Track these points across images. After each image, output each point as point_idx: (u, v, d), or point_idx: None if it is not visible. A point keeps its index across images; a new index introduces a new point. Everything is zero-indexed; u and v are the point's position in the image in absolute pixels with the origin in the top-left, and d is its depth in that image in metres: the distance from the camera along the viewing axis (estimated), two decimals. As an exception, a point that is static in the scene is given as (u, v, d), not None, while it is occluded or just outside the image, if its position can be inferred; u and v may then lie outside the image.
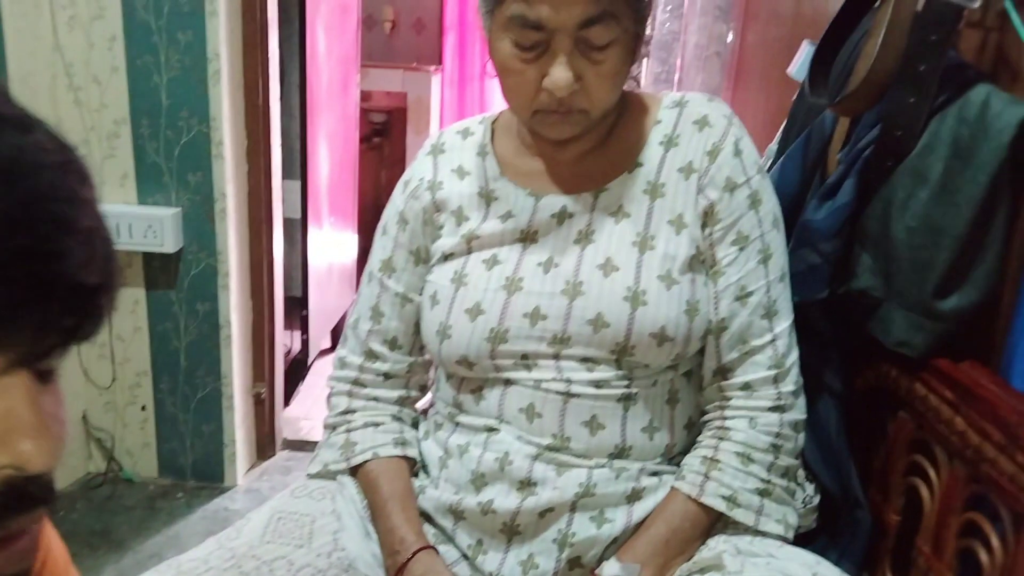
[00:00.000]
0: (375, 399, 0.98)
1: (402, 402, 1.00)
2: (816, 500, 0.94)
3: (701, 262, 0.87)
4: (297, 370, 2.72)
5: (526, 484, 0.84)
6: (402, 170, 1.03)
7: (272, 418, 2.23)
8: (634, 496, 0.85)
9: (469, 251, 0.92)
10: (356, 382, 0.99)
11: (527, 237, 0.90)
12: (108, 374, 2.04)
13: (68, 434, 0.40)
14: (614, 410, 0.86)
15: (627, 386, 0.86)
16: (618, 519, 0.84)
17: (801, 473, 0.93)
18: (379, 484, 0.92)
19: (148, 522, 1.94)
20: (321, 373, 2.93)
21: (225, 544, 0.87)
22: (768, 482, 0.85)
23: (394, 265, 0.97)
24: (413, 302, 0.97)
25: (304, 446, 2.30)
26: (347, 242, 3.17)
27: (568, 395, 0.85)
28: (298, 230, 2.51)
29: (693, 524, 0.84)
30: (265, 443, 2.24)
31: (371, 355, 0.98)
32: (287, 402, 2.45)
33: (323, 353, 2.97)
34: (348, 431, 0.97)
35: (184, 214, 1.92)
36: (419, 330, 0.97)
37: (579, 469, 0.85)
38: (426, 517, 0.91)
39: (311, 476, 0.98)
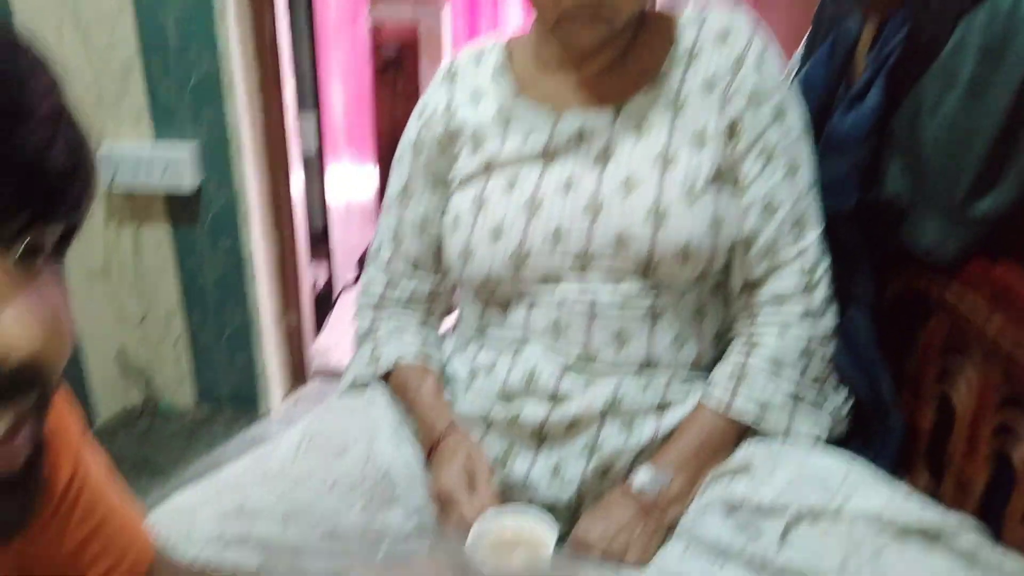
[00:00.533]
0: (398, 317, 1.01)
1: (425, 321, 1.02)
2: (848, 407, 0.95)
3: (725, 177, 0.86)
4: (323, 303, 2.75)
5: (554, 396, 0.86)
6: (417, 102, 1.02)
7: (303, 348, 2.27)
8: (663, 406, 0.87)
9: (488, 174, 0.91)
10: (380, 304, 1.01)
11: (547, 157, 0.89)
12: (140, 311, 2.08)
13: (69, 332, 0.39)
14: (641, 324, 0.86)
15: (653, 301, 0.86)
16: (647, 428, 0.86)
17: (832, 381, 0.94)
18: (408, 383, 0.95)
19: (188, 450, 1.99)
20: (347, 305, 2.97)
21: (261, 461, 0.90)
22: (799, 389, 0.86)
23: (411, 192, 0.97)
24: (432, 228, 0.98)
25: (335, 374, 2.35)
26: (366, 176, 3.15)
27: (593, 312, 0.86)
28: (315, 164, 2.50)
29: (723, 433, 0.85)
30: (297, 372, 2.29)
31: (394, 279, 1.00)
32: (316, 333, 2.49)
33: (348, 286, 3.00)
34: (374, 344, 1.00)
35: (201, 152, 1.92)
36: (440, 255, 0.98)
37: (607, 381, 0.86)
38: None
39: (344, 390, 1.01)
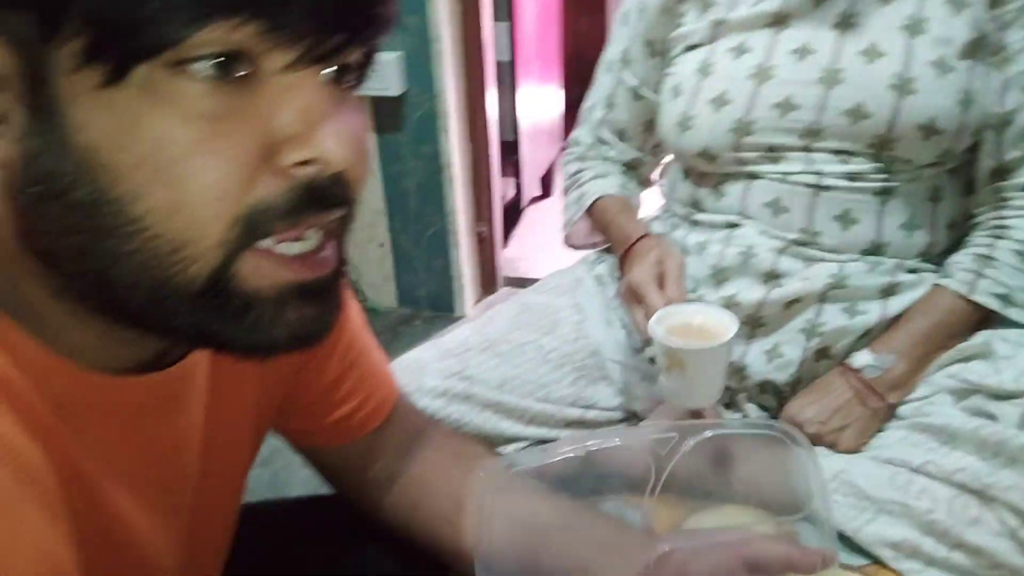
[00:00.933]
0: (602, 166, 1.03)
1: (624, 173, 1.04)
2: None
3: (984, 47, 0.79)
4: (512, 214, 2.82)
5: (771, 276, 0.83)
6: (602, 16, 1.01)
7: (493, 256, 2.35)
8: (890, 290, 0.82)
9: (715, 39, 0.88)
10: (584, 157, 1.04)
11: (780, 22, 0.84)
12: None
13: (369, 153, 0.42)
14: (870, 204, 0.82)
15: (885, 180, 0.81)
16: (872, 311, 0.82)
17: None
18: (607, 210, 0.98)
19: (392, 346, 2.13)
20: (533, 218, 3.03)
21: (479, 330, 0.96)
22: None
23: (630, 56, 0.97)
24: (645, 98, 0.98)
25: (523, 283, 2.42)
26: (553, 92, 3.15)
27: (819, 188, 0.82)
28: (508, 73, 2.53)
29: (959, 321, 0.80)
30: (488, 280, 2.37)
31: (601, 142, 1.03)
32: (504, 243, 2.57)
33: (535, 200, 3.05)
34: (579, 186, 1.03)
35: (405, 59, 1.99)
36: (649, 126, 0.98)
37: (829, 262, 0.82)
38: None
39: (565, 243, 1.06)
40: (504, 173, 2.68)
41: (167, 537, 0.50)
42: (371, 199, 2.20)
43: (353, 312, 0.69)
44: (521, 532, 0.62)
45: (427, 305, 2.30)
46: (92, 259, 0.37)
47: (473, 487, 0.66)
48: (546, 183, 3.26)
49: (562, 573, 0.62)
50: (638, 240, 0.89)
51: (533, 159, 2.86)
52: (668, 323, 0.77)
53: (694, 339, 0.75)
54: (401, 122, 2.07)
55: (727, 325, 0.76)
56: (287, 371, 0.61)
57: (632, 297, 0.84)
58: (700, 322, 0.78)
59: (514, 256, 2.62)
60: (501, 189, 2.45)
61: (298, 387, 0.63)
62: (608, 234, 0.97)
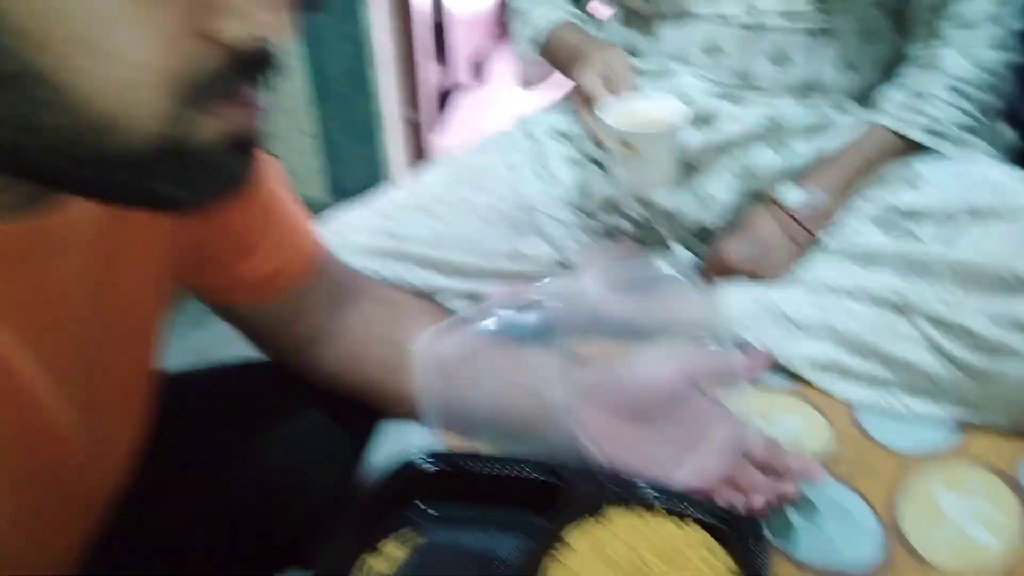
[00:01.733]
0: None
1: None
2: (1016, 145, 0.88)
3: None
4: (442, 101, 2.75)
5: (705, 120, 0.83)
6: None
7: (425, 142, 2.29)
8: (822, 130, 0.82)
9: None
10: None
11: None
12: (272, 104, 2.13)
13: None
14: (805, 44, 0.81)
15: (822, 18, 0.80)
16: (804, 151, 0.82)
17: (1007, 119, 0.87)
18: (556, 38, 0.94)
19: (324, 237, 2.09)
20: (463, 106, 2.96)
21: (410, 191, 0.93)
22: (976, 119, 0.79)
23: None
24: None
25: (456, 171, 2.38)
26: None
27: (755, 27, 0.80)
28: (434, -49, 2.42)
29: (891, 156, 0.80)
30: (420, 167, 2.32)
31: None
32: (437, 130, 2.51)
33: (464, 88, 2.98)
34: (527, 23, 0.98)
35: (322, -72, 1.87)
36: None
37: (763, 102, 0.82)
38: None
39: (523, 86, 1.08)
40: (438, 60, 2.60)
41: (63, 392, 0.48)
42: (296, 86, 2.10)
43: (273, 169, 0.66)
44: (459, 374, 0.62)
45: (357, 195, 2.24)
46: (9, 127, 0.35)
47: (415, 335, 0.65)
48: (480, 71, 3.17)
49: (502, 408, 0.63)
50: (588, 46, 0.88)
51: (466, 44, 2.78)
52: (618, 113, 0.79)
53: (644, 127, 0.77)
54: (320, 1, 1.96)
55: (676, 112, 0.78)
56: (200, 219, 0.58)
57: (582, 101, 0.83)
58: (648, 110, 0.79)
59: (447, 144, 2.56)
60: (433, 74, 2.37)
61: (215, 238, 0.61)
62: (559, 59, 0.94)
